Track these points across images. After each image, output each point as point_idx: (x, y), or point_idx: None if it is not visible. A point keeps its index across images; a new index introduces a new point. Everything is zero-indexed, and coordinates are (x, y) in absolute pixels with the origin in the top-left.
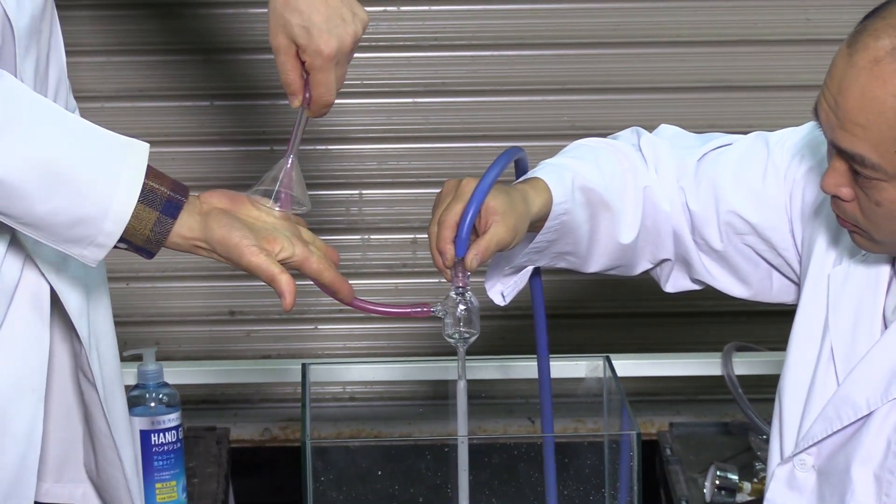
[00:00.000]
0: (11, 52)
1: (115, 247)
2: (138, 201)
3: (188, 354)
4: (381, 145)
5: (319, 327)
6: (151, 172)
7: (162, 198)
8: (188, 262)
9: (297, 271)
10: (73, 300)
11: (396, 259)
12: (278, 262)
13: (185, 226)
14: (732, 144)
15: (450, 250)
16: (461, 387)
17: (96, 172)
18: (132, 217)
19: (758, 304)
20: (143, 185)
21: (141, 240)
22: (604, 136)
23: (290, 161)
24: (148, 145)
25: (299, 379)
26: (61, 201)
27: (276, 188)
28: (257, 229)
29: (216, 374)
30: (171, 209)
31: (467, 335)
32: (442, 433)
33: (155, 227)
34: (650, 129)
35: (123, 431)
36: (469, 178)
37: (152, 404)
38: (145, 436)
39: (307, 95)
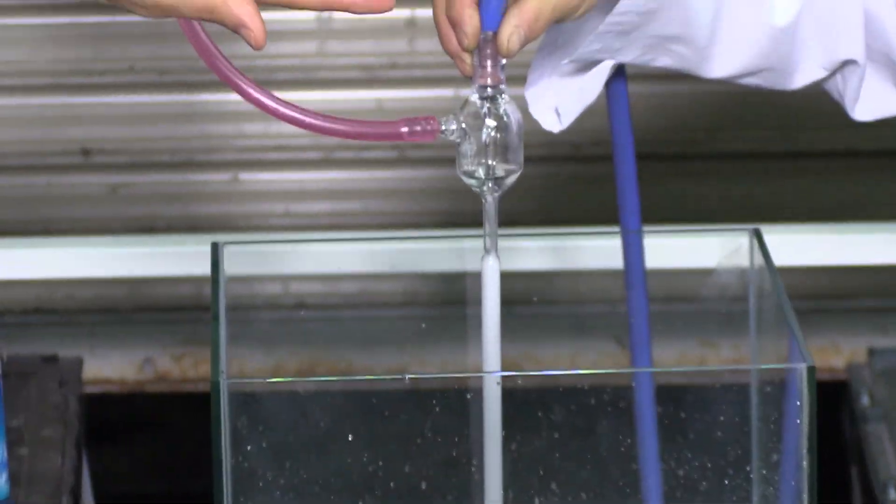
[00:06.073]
0: None
1: None
2: None
3: (5, 227)
4: None
5: (241, 177)
6: None
7: None
8: None
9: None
10: None
11: (382, 53)
12: None
13: None
14: None
15: (471, 19)
16: (490, 266)
17: None
18: None
19: None
20: None
21: None
22: None
23: None
24: None
25: (207, 270)
26: None
27: None
28: None
29: (56, 263)
30: None
31: (502, 173)
32: (458, 367)
33: None
34: None
35: None
36: None
37: None
38: None
39: None
